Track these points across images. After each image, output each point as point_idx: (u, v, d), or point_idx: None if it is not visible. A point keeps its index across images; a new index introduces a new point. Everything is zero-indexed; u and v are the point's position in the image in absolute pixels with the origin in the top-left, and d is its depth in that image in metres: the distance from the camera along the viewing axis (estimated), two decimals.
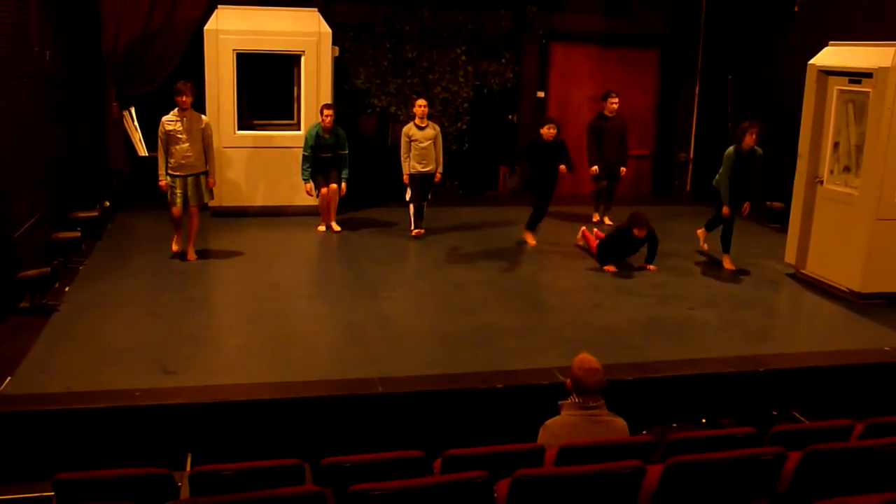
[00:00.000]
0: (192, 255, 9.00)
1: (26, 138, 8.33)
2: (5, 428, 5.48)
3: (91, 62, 11.07)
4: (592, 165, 10.97)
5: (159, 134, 8.65)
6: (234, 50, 10.70)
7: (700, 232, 10.00)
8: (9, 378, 5.99)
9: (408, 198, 10.28)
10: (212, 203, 10.86)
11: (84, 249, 9.21)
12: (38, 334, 6.86)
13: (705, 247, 9.97)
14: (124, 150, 11.74)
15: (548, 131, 9.70)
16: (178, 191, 8.68)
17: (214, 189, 10.78)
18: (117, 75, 11.26)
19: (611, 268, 9.12)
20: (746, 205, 9.10)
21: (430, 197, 10.41)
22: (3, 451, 5.44)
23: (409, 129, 10.12)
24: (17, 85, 8.12)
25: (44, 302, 7.47)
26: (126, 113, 11.16)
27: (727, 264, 9.44)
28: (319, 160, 10.16)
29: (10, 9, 8.02)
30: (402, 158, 10.12)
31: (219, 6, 10.83)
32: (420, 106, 10.07)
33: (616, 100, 10.84)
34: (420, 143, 10.04)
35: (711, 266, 9.54)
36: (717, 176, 9.20)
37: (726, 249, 9.48)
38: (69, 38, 10.31)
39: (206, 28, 10.66)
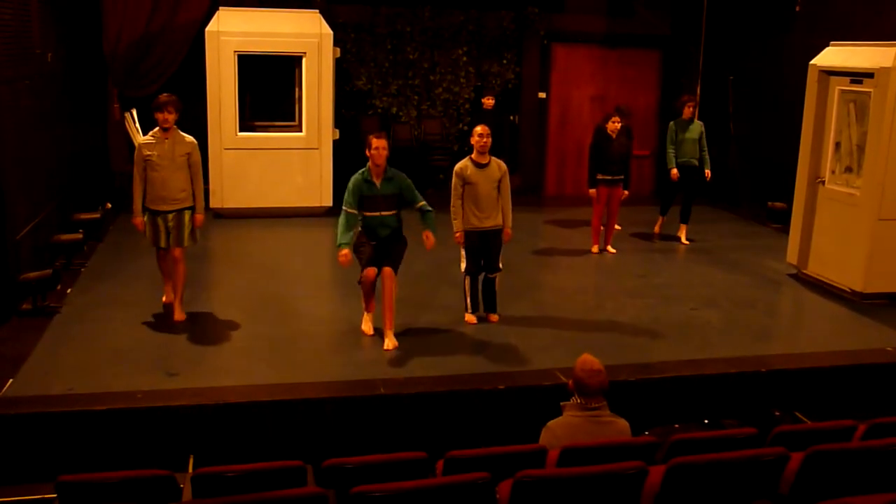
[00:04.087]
0: (179, 315, 7.29)
1: (28, 140, 8.34)
2: (8, 430, 5.48)
3: (93, 64, 11.09)
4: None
5: (135, 159, 7.13)
6: (235, 51, 10.71)
7: (659, 220, 10.80)
8: (11, 380, 5.99)
9: (462, 267, 7.45)
10: (213, 205, 10.90)
11: (86, 251, 9.22)
12: (40, 336, 6.87)
13: (657, 230, 10.79)
14: (126, 152, 11.75)
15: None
16: (161, 229, 7.16)
17: (217, 192, 10.90)
18: (119, 77, 11.27)
19: (593, 192, 9.70)
20: (707, 172, 10.32)
21: (501, 266, 7.44)
22: (5, 453, 5.44)
23: (465, 167, 7.23)
24: (18, 87, 8.12)
25: (46, 304, 7.48)
26: (128, 115, 11.17)
27: (680, 233, 10.53)
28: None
29: (11, 10, 8.03)
30: (453, 210, 7.27)
31: (220, 8, 10.84)
32: (480, 136, 7.13)
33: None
34: (480, 188, 7.21)
35: (713, 266, 9.53)
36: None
37: (684, 220, 10.50)
38: (71, 39, 10.32)
39: (207, 30, 10.67)
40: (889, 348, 7.15)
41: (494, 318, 7.53)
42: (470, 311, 7.50)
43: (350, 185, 6.83)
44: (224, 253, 9.82)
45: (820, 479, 4.09)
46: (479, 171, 7.22)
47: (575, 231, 11.07)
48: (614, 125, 9.60)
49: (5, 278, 7.30)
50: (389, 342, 6.83)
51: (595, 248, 9.95)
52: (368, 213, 6.85)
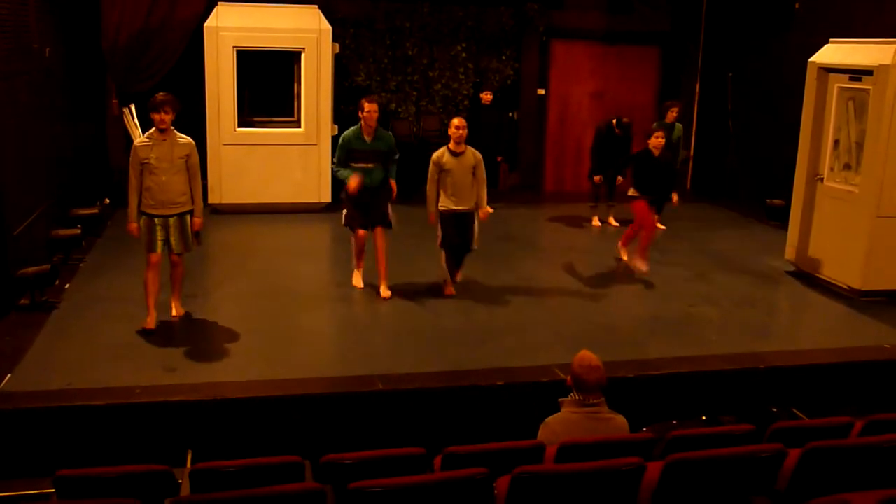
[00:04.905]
0: (178, 310, 7.25)
1: (26, 135, 8.33)
2: (6, 425, 5.48)
3: (91, 59, 11.07)
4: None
5: (131, 162, 6.74)
6: (234, 47, 10.69)
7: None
8: (9, 375, 6.00)
9: (439, 243, 8.03)
10: (212, 200, 10.90)
11: (84, 246, 9.21)
12: (39, 331, 6.86)
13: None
14: (124, 148, 11.73)
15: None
16: (159, 234, 6.82)
17: (215, 188, 10.89)
18: (117, 72, 11.24)
19: (598, 178, 9.98)
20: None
21: (475, 246, 8.08)
22: (3, 447, 5.44)
23: (441, 155, 7.81)
24: (17, 82, 8.11)
25: (44, 299, 7.48)
26: (126, 110, 11.15)
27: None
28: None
29: (9, 5, 8.01)
30: (428, 193, 7.88)
31: (219, 3, 10.83)
32: (457, 128, 7.73)
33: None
34: (455, 175, 7.77)
35: (711, 263, 9.52)
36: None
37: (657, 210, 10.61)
38: (69, 34, 10.31)
39: (206, 25, 10.66)
40: (887, 345, 7.16)
41: (458, 275, 8.23)
42: (449, 283, 8.13)
43: (341, 140, 7.84)
44: (222, 249, 9.81)
45: (817, 475, 4.10)
46: (455, 160, 7.79)
47: (574, 228, 11.07)
48: (658, 140, 8.77)
49: (3, 273, 7.30)
50: (385, 292, 7.91)
51: (624, 255, 9.14)
52: (357, 165, 7.74)
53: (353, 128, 7.84)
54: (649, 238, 8.91)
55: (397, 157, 7.98)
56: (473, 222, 7.94)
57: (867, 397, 6.67)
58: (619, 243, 9.31)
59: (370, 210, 7.83)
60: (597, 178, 10.87)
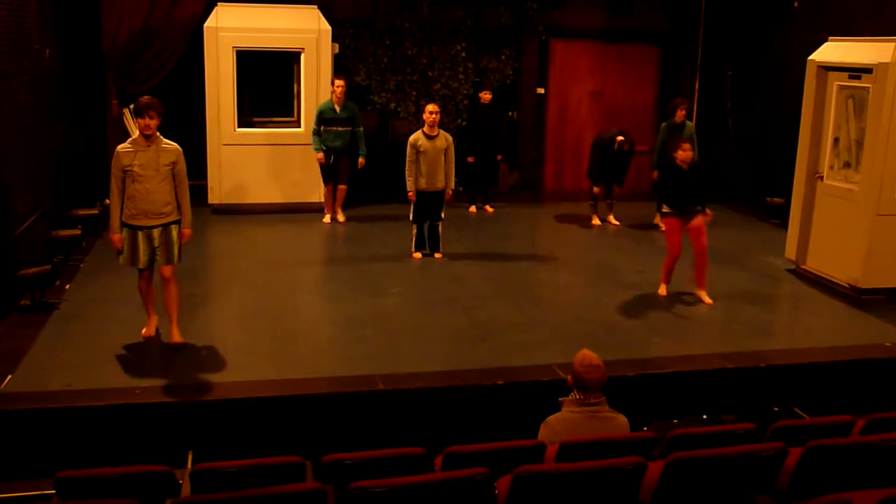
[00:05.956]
0: (176, 336, 6.66)
1: (26, 136, 8.33)
2: (6, 426, 5.48)
3: (91, 59, 11.07)
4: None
5: (112, 169, 6.37)
6: (233, 47, 10.69)
7: (657, 215, 10.88)
8: (10, 376, 6.00)
9: (411, 217, 9.14)
10: (211, 201, 10.90)
11: (84, 247, 9.21)
12: (39, 332, 6.86)
13: (657, 222, 10.87)
14: None
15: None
16: (142, 247, 6.45)
17: (215, 188, 10.89)
18: (117, 72, 11.25)
19: (598, 189, 10.46)
20: None
21: (443, 216, 9.17)
22: (4, 449, 5.44)
23: (418, 138, 8.83)
24: (17, 82, 8.11)
25: (44, 300, 7.48)
26: (126, 110, 11.14)
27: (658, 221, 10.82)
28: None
29: (9, 6, 8.01)
30: (408, 172, 8.88)
31: (219, 3, 10.82)
32: (431, 113, 8.81)
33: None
34: (429, 156, 8.81)
35: (712, 262, 9.48)
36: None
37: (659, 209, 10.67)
38: (69, 35, 10.31)
39: (205, 25, 10.66)
40: (887, 343, 7.16)
41: (438, 255, 9.27)
42: (414, 249, 9.23)
43: (317, 110, 10.33)
44: (222, 249, 9.82)
45: (818, 474, 4.10)
46: (429, 142, 8.84)
47: (574, 227, 11.07)
48: (685, 153, 7.81)
49: (4, 274, 7.30)
50: (340, 216, 10.70)
51: (663, 291, 8.20)
52: (330, 128, 10.23)
53: (326, 101, 10.25)
54: (674, 261, 8.06)
55: (362, 129, 10.43)
56: (442, 200, 9.06)
57: (868, 396, 6.67)
58: (661, 278, 8.26)
59: (335, 170, 10.38)
60: (596, 189, 10.92)
